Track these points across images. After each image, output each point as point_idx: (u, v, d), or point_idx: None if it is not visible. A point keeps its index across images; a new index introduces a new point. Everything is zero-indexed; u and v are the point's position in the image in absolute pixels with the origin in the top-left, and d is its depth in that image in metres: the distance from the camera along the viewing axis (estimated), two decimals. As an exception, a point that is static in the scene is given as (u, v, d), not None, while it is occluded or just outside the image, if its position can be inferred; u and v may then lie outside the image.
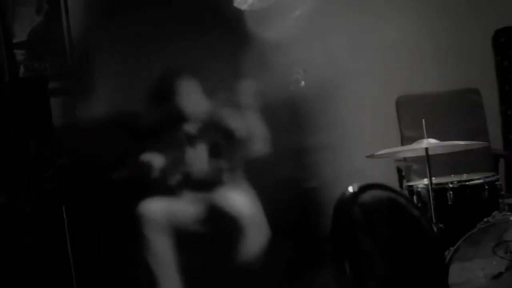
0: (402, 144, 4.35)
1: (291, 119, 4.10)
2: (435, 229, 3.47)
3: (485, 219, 3.44)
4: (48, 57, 4.12)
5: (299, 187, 4.16)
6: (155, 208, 3.53)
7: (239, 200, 3.56)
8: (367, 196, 1.92)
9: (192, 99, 3.80)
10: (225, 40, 4.05)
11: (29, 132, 3.96)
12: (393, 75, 4.60)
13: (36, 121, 3.99)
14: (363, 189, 1.92)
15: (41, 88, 4.04)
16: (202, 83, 3.83)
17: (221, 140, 3.70)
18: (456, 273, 3.31)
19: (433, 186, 3.57)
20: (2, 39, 4.07)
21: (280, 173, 3.83)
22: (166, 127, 3.79)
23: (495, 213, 3.47)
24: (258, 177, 3.70)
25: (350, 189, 1.91)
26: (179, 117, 3.78)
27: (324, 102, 4.41)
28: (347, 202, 1.88)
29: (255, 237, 3.49)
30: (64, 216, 3.81)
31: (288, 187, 4.04)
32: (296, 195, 4.12)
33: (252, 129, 3.65)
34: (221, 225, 3.44)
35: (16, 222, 3.89)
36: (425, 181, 3.72)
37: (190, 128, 3.75)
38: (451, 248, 3.38)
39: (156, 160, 3.71)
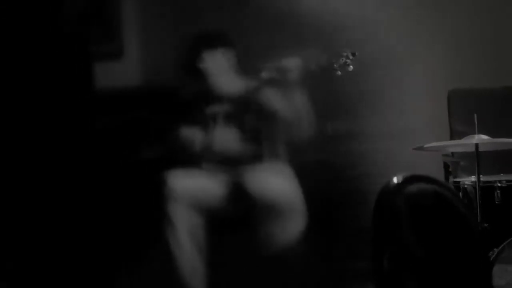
0: (452, 138, 4.26)
1: (338, 104, 4.03)
2: (480, 229, 3.39)
3: (533, 222, 3.36)
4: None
5: (341, 174, 4.09)
6: (187, 186, 3.47)
7: (277, 184, 3.48)
8: (413, 187, 1.83)
9: (227, 75, 3.73)
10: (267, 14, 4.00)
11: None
12: (446, 68, 4.53)
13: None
14: (408, 180, 1.83)
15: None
16: (241, 58, 3.76)
17: (261, 121, 3.62)
18: (498, 274, 3.23)
19: (480, 184, 3.48)
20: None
21: (323, 158, 3.75)
22: (198, 103, 3.72)
23: (543, 215, 3.39)
24: (300, 162, 3.63)
25: (395, 179, 1.82)
26: (213, 94, 3.71)
27: (374, 88, 4.35)
28: (391, 193, 1.79)
29: (291, 223, 3.42)
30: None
31: (330, 173, 3.97)
32: (338, 182, 4.04)
33: (296, 110, 3.56)
34: (254, 209, 3.37)
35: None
36: (473, 178, 3.63)
37: (226, 105, 3.67)
38: (495, 249, 3.30)
39: (188, 138, 3.65)
